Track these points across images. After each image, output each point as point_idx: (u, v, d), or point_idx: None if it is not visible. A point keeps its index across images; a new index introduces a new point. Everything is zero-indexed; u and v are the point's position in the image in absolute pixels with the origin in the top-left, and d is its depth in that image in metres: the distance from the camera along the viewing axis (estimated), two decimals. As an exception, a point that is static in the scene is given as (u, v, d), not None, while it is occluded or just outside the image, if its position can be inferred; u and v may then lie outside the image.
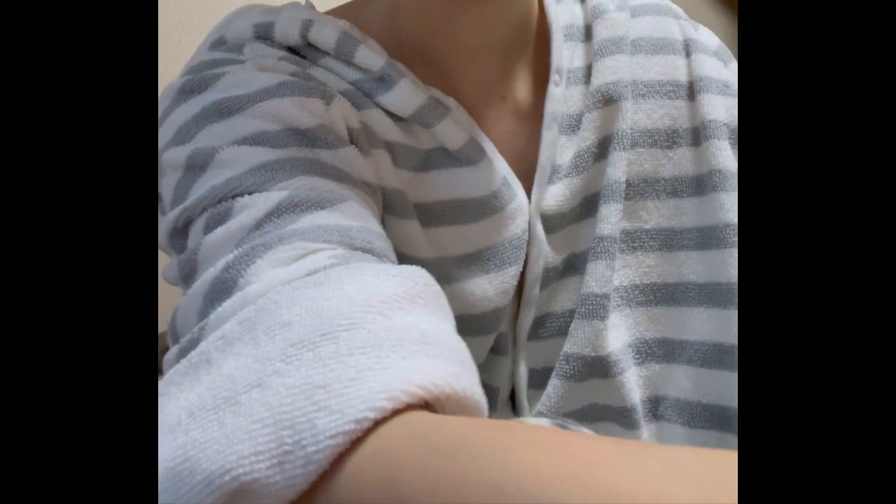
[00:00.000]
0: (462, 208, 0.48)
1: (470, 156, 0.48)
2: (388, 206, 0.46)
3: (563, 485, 0.20)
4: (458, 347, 0.30)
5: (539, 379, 0.53)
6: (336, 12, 0.51)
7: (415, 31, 0.48)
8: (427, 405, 0.26)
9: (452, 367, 0.27)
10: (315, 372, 0.25)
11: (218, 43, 0.47)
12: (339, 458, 0.24)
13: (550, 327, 0.52)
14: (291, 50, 0.47)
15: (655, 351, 0.52)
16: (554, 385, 0.51)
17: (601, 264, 0.49)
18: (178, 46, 1.60)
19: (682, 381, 0.51)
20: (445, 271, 0.48)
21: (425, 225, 0.48)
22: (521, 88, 0.51)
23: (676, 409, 0.51)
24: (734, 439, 0.48)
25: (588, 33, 0.53)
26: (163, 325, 1.31)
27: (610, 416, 0.52)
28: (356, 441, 0.24)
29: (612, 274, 0.50)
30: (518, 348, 0.53)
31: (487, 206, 0.48)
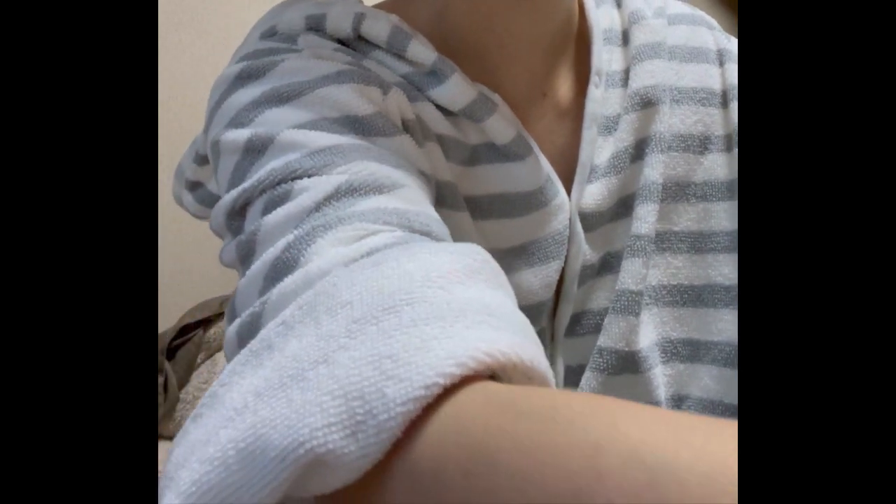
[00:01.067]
0: (510, 202, 0.49)
1: (518, 151, 0.49)
2: (441, 199, 0.47)
3: (670, 449, 0.20)
4: (522, 321, 0.30)
5: (574, 377, 0.54)
6: (382, 7, 0.51)
7: (462, 25, 0.49)
8: (493, 376, 0.26)
9: (517, 338, 0.27)
10: (380, 344, 0.26)
11: (269, 33, 0.48)
12: (415, 427, 0.24)
13: (587, 324, 0.53)
14: (342, 42, 0.48)
15: (680, 351, 0.53)
16: (587, 378, 0.52)
17: (637, 262, 0.50)
18: (178, 46, 1.61)
19: (706, 381, 0.52)
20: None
21: (475, 217, 0.49)
22: (562, 87, 0.53)
23: (699, 408, 0.52)
24: None
25: (626, 38, 0.54)
26: (163, 326, 1.32)
27: None
28: (429, 409, 0.24)
29: (647, 272, 0.51)
30: (556, 344, 0.54)
31: (533, 201, 0.49)
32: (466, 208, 0.48)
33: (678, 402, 0.53)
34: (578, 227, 0.51)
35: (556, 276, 0.50)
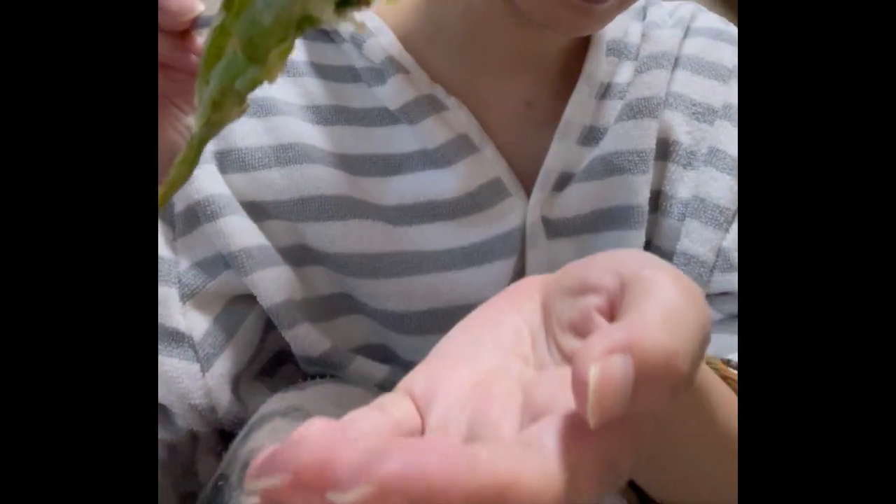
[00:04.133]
0: (433, 208, 0.50)
1: (446, 156, 0.49)
2: (330, 213, 0.49)
3: None
4: None
5: None
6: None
7: (453, 26, 0.50)
8: None
9: None
10: None
11: None
12: None
13: None
14: (324, 31, 0.51)
15: None
16: None
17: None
18: (178, 46, 1.60)
19: None
20: (424, 263, 0.50)
21: (396, 223, 0.50)
22: (553, 98, 0.52)
23: None
24: None
25: (639, 51, 0.54)
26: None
27: None
28: None
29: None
30: None
31: (461, 207, 0.50)
32: (381, 217, 0.50)
33: None
34: (538, 232, 0.51)
35: (506, 277, 0.50)
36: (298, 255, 0.50)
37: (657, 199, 0.52)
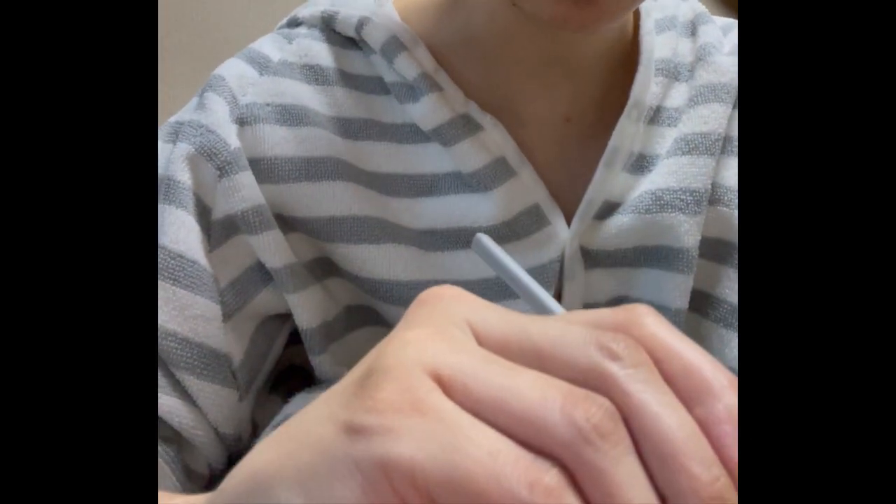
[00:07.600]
0: (467, 235, 0.47)
1: (483, 181, 0.46)
2: (361, 234, 0.46)
3: None
4: None
5: None
6: (414, 10, 0.51)
7: (482, 37, 0.48)
8: None
9: None
10: None
11: (292, 22, 0.52)
12: None
13: None
14: (352, 39, 0.50)
15: None
16: None
17: (726, 332, 0.47)
18: (178, 46, 1.60)
19: None
20: None
21: (427, 249, 0.47)
22: (593, 115, 0.49)
23: None
24: None
25: (692, 73, 0.50)
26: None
27: None
28: None
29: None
30: None
31: (497, 235, 0.46)
32: (412, 241, 0.47)
33: None
34: (576, 263, 0.47)
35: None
36: (321, 269, 0.48)
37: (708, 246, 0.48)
